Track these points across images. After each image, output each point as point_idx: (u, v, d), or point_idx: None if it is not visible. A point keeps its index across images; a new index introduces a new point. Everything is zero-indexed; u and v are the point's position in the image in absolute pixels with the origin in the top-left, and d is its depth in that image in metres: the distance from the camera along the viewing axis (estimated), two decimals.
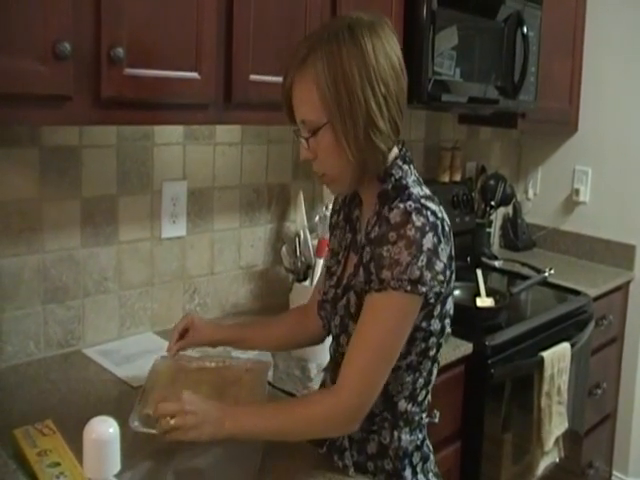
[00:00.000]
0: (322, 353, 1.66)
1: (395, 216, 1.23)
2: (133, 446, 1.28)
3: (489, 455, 2.16)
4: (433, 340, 1.33)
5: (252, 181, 2.26)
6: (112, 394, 1.63)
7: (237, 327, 1.69)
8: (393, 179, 1.31)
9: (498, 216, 3.36)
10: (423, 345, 1.31)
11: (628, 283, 3.07)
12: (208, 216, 2.15)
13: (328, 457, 1.40)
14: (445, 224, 1.27)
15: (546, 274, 2.69)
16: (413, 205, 1.23)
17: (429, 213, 1.23)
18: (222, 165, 2.17)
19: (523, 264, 2.88)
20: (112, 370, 1.75)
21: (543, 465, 2.30)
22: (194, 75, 1.57)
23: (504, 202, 3.17)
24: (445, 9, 2.15)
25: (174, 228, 2.06)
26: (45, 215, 1.77)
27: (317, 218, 2.28)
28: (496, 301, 2.36)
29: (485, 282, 2.42)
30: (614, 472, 3.21)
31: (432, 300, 1.26)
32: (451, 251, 1.28)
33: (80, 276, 1.87)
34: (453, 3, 2.20)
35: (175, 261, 2.09)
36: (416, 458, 1.38)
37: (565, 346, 2.33)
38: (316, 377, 1.74)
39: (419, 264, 1.20)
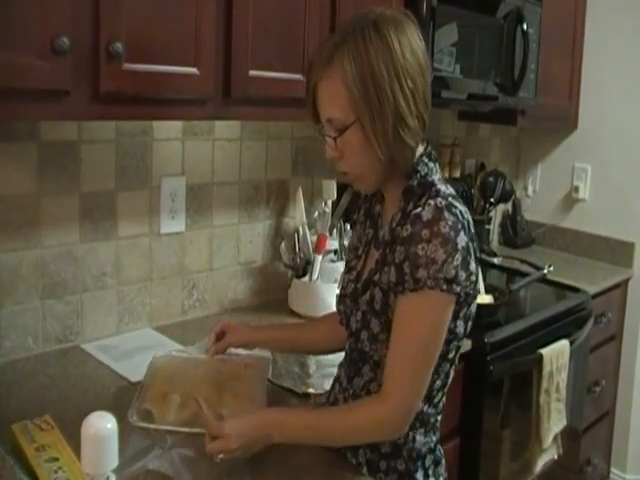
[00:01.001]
0: None
1: (427, 213, 1.21)
2: (131, 441, 1.29)
3: (488, 452, 2.16)
4: (454, 343, 1.31)
5: (251, 177, 2.26)
6: (110, 389, 1.63)
7: (272, 328, 1.69)
8: (419, 175, 1.30)
9: (497, 213, 3.36)
10: (444, 348, 1.29)
11: (627, 280, 3.07)
12: (207, 212, 2.15)
13: (339, 454, 1.38)
14: (470, 225, 1.26)
15: (545, 271, 2.69)
16: (444, 202, 1.22)
17: (458, 212, 1.23)
18: (221, 161, 2.17)
19: (522, 261, 2.88)
20: (110, 365, 1.75)
21: (541, 462, 2.30)
22: (193, 70, 1.57)
23: (503, 199, 3.17)
24: (445, 5, 2.15)
25: (173, 224, 2.06)
26: (43, 210, 1.77)
27: (316, 214, 2.28)
28: (495, 298, 2.36)
29: (484, 279, 2.41)
30: (612, 469, 3.21)
31: (461, 300, 1.25)
32: (476, 252, 1.27)
33: (78, 271, 1.86)
34: None
35: (174, 257, 2.09)
36: (429, 461, 1.37)
37: (564, 343, 2.33)
38: (315, 373, 1.74)
39: (455, 263, 1.19)
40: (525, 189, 3.50)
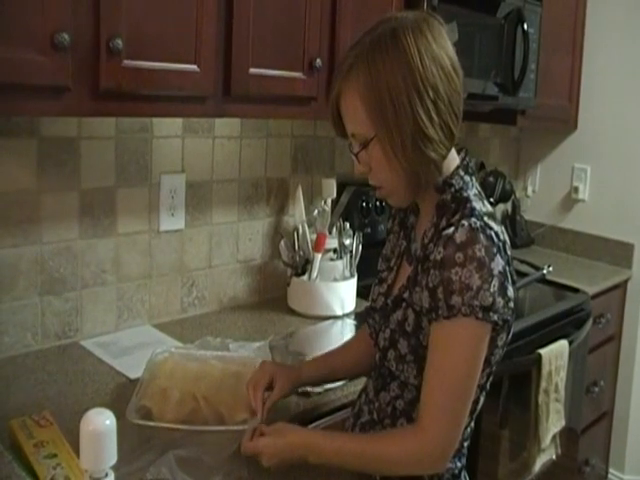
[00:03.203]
0: (319, 347, 1.65)
1: (460, 235, 1.14)
2: (130, 437, 1.28)
3: (486, 452, 2.16)
4: (487, 370, 1.26)
5: (251, 175, 2.26)
6: (109, 386, 1.63)
7: (320, 363, 1.56)
8: (453, 189, 1.24)
9: (497, 213, 3.36)
10: None
11: (626, 281, 3.07)
12: (206, 209, 2.15)
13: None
14: (507, 247, 1.21)
15: (544, 271, 2.70)
16: (478, 223, 1.16)
17: (492, 233, 1.17)
18: (221, 158, 2.16)
19: (521, 261, 2.88)
20: (109, 362, 1.75)
21: (540, 462, 2.30)
22: (193, 67, 1.56)
23: (503, 199, 3.18)
24: (445, 5, 2.14)
25: (172, 221, 2.06)
26: (43, 206, 1.77)
27: (316, 212, 2.28)
28: None
29: None
30: (610, 470, 3.21)
31: (499, 327, 1.19)
32: (513, 276, 1.21)
33: (78, 268, 1.86)
34: None
35: (173, 254, 2.09)
36: None
37: (563, 343, 2.32)
38: None
39: (491, 289, 1.13)
40: (525, 189, 3.50)
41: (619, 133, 3.10)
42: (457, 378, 1.18)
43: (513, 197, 3.29)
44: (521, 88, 2.57)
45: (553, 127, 3.25)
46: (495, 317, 1.15)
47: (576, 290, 2.68)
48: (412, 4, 2.07)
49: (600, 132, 3.16)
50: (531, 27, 2.55)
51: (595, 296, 2.75)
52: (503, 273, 1.15)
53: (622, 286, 3.05)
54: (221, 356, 1.65)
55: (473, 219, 1.17)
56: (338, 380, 1.62)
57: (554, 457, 2.38)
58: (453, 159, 1.27)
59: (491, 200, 3.07)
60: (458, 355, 1.17)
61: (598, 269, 3.07)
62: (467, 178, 1.26)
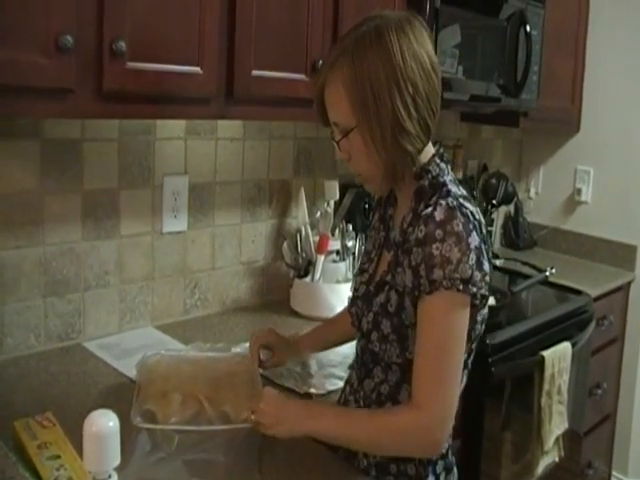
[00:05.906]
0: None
1: (439, 213, 1.20)
2: (133, 440, 1.28)
3: (489, 454, 2.15)
4: (468, 345, 1.28)
5: (254, 176, 2.26)
6: (112, 387, 1.63)
7: (314, 335, 1.70)
8: (430, 176, 1.30)
9: (499, 215, 3.36)
10: None
11: (629, 283, 3.07)
12: (209, 211, 2.15)
13: (349, 456, 1.37)
14: (482, 226, 1.25)
15: (547, 273, 2.69)
16: (455, 202, 1.22)
17: (468, 212, 1.22)
18: (224, 160, 2.17)
19: (524, 263, 2.88)
20: (112, 364, 1.75)
21: (543, 464, 2.30)
22: (196, 70, 1.57)
23: (505, 201, 3.17)
24: (448, 7, 2.15)
25: (175, 223, 2.06)
26: (46, 208, 1.77)
27: (318, 214, 2.29)
28: (497, 300, 2.35)
29: None
30: (613, 472, 3.21)
31: (477, 302, 1.23)
32: (488, 253, 1.25)
33: (81, 269, 1.86)
34: (456, 1, 2.19)
35: (176, 256, 2.09)
36: (440, 467, 1.36)
37: (566, 346, 2.32)
38: (316, 373, 1.74)
39: (470, 263, 1.18)
40: (527, 191, 3.49)
41: (622, 135, 3.09)
42: (442, 350, 1.21)
43: (516, 199, 3.29)
44: (524, 90, 2.57)
45: (556, 129, 3.25)
46: (474, 289, 1.20)
47: (579, 292, 2.67)
48: (414, 7, 2.07)
49: (603, 134, 3.15)
50: (534, 29, 2.55)
51: (598, 298, 2.75)
52: (479, 248, 1.21)
53: (625, 288, 3.05)
54: (210, 357, 1.64)
55: (450, 199, 1.24)
56: (327, 349, 1.73)
57: (557, 460, 2.37)
58: (429, 150, 1.33)
59: (493, 202, 3.07)
60: (442, 327, 1.21)
61: (601, 271, 3.07)
62: (443, 165, 1.33)
